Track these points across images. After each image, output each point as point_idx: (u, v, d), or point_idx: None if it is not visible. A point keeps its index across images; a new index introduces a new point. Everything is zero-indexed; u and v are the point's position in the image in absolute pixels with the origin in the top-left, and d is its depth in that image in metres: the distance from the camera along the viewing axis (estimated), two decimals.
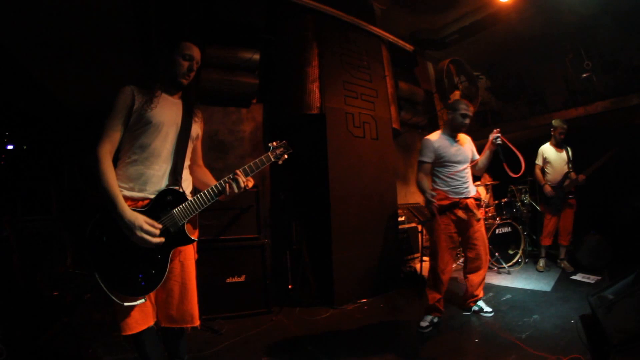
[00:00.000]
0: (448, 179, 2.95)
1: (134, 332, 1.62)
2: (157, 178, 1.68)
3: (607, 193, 5.07)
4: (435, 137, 3.01)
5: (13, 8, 2.36)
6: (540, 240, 4.42)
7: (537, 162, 4.36)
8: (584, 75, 4.77)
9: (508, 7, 4.37)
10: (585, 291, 3.30)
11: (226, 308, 3.29)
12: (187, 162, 1.81)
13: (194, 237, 1.76)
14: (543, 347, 2.43)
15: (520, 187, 4.95)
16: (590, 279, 3.83)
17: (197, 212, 1.69)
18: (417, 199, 5.63)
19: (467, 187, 2.99)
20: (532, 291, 3.66)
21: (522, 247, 4.55)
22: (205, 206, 1.69)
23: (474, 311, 3.17)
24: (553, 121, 4.30)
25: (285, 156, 1.90)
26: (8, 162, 3.26)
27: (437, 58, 5.37)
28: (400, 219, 4.73)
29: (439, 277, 2.96)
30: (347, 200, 3.83)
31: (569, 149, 4.29)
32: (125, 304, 1.55)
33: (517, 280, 4.07)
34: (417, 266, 4.11)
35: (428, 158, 2.96)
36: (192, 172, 1.92)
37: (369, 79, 4.25)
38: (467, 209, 2.92)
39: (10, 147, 3.34)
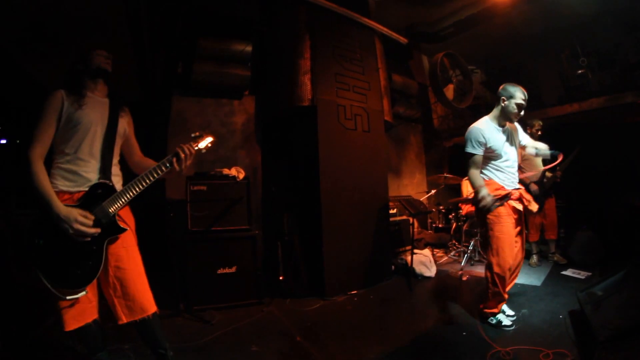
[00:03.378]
0: (498, 172, 2.73)
1: (72, 328, 1.71)
2: (89, 174, 1.78)
3: (600, 190, 5.08)
4: (482, 125, 2.71)
5: (7, 6, 2.32)
6: (528, 237, 4.39)
7: None
8: (580, 71, 4.78)
9: (504, 1, 4.35)
10: (575, 287, 3.30)
11: (217, 299, 3.30)
12: (116, 159, 1.91)
13: (129, 224, 1.88)
14: (531, 342, 2.44)
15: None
16: (581, 274, 3.85)
17: (127, 202, 1.79)
18: (410, 191, 5.66)
19: (516, 178, 2.79)
20: (522, 285, 3.67)
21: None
22: (134, 195, 1.79)
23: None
24: (529, 120, 4.24)
25: (209, 144, 2.01)
26: (1, 157, 3.24)
27: (432, 51, 5.35)
28: (391, 211, 4.75)
29: (502, 281, 2.66)
30: (338, 192, 3.84)
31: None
32: (68, 297, 1.64)
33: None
34: (408, 259, 4.13)
35: (478, 149, 2.66)
36: (134, 164, 2.05)
37: (361, 72, 4.24)
38: (520, 200, 2.74)
39: (3, 141, 3.33)
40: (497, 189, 2.67)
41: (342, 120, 3.98)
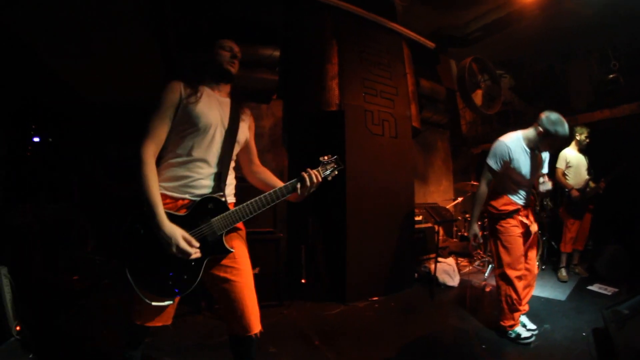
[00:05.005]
0: (513, 190, 2.70)
1: (146, 324, 1.63)
2: (201, 181, 1.60)
3: (632, 202, 4.81)
4: (512, 142, 2.59)
5: (35, 6, 2.43)
6: (560, 247, 4.26)
7: (559, 166, 4.18)
8: (611, 76, 4.56)
9: (532, 4, 4.22)
10: (601, 303, 3.18)
11: None
12: (232, 165, 1.73)
13: (241, 239, 1.74)
14: (551, 359, 2.38)
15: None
16: (607, 290, 3.68)
17: (239, 222, 1.61)
18: (436, 198, 5.56)
19: (528, 199, 2.78)
20: (546, 299, 3.56)
21: (539, 252, 4.41)
22: (250, 216, 1.62)
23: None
24: (578, 127, 4.13)
25: (335, 172, 1.77)
26: (34, 153, 3.43)
27: (460, 56, 5.25)
28: (417, 218, 4.68)
29: (515, 289, 2.63)
30: (363, 197, 3.82)
31: (586, 155, 4.17)
32: (153, 303, 1.52)
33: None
34: (432, 267, 4.04)
35: (498, 166, 2.60)
36: (251, 173, 1.90)
37: (389, 77, 4.21)
38: (528, 217, 2.76)
39: (36, 139, 3.52)
40: (505, 204, 2.70)
41: (369, 125, 3.97)
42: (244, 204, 1.60)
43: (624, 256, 3.99)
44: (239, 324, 1.62)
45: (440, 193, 5.69)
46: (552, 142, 2.49)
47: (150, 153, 1.52)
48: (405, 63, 4.44)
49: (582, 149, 4.18)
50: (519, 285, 2.64)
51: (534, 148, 2.61)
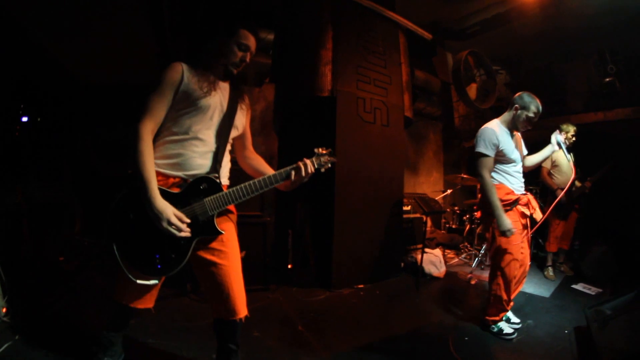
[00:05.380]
0: (508, 176, 2.68)
1: (129, 304, 1.63)
2: (195, 160, 1.61)
3: (620, 204, 4.87)
4: (495, 126, 2.64)
5: None
6: (546, 247, 4.27)
7: (544, 165, 4.13)
8: (607, 79, 4.56)
9: (533, 2, 4.20)
10: (584, 302, 3.23)
11: None
12: (228, 147, 1.75)
13: (232, 223, 1.75)
14: (532, 354, 2.41)
15: (531, 187, 4.77)
16: (592, 290, 3.73)
17: (231, 204, 1.63)
18: (426, 189, 5.59)
19: (523, 183, 2.77)
20: (530, 295, 3.59)
21: None
22: (243, 199, 1.63)
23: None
24: (564, 125, 4.06)
25: (329, 165, 1.78)
26: (23, 133, 3.36)
27: (457, 49, 5.22)
28: (406, 208, 4.70)
29: (507, 291, 2.61)
30: (352, 185, 3.82)
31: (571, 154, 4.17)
32: (138, 281, 1.53)
33: None
34: (418, 257, 4.08)
35: (491, 151, 2.56)
36: (243, 159, 1.90)
37: (383, 65, 4.18)
38: (528, 205, 2.69)
39: (24, 119, 3.44)
40: (507, 194, 2.63)
41: (361, 113, 3.94)
42: (238, 186, 1.61)
43: (610, 257, 4.02)
44: (225, 307, 1.64)
45: (430, 184, 5.72)
46: (529, 118, 2.58)
47: (147, 130, 1.53)
48: (401, 52, 4.40)
49: (568, 148, 4.13)
50: (512, 286, 2.61)
51: (512, 129, 2.69)
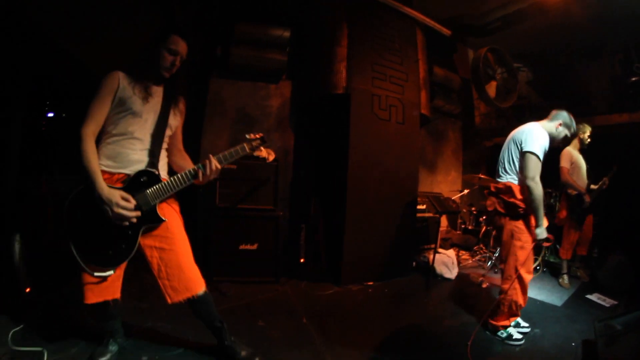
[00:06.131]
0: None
1: (91, 302, 1.77)
2: (134, 156, 1.79)
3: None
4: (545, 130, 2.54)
5: None
6: (560, 253, 4.07)
7: (564, 165, 3.89)
8: (633, 79, 4.30)
9: None
10: (597, 314, 3.09)
11: (236, 273, 3.46)
12: (164, 145, 1.92)
13: (174, 211, 1.91)
14: None
15: (549, 190, 4.59)
16: (606, 301, 3.51)
17: (170, 193, 1.80)
18: (443, 188, 5.50)
19: None
20: (542, 303, 3.46)
21: (541, 255, 4.31)
22: (178, 188, 1.81)
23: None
24: (581, 125, 3.85)
25: (262, 149, 1.98)
26: (48, 128, 3.60)
27: (478, 45, 5.06)
28: (421, 207, 4.63)
29: (523, 297, 2.58)
30: (365, 182, 3.83)
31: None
32: (95, 273, 1.70)
33: (529, 288, 3.76)
34: (431, 257, 4.04)
35: (542, 155, 2.44)
36: (171, 155, 2.04)
37: (399, 62, 4.14)
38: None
39: (50, 114, 3.69)
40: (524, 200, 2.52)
41: (376, 110, 3.93)
42: (172, 177, 1.81)
43: (628, 268, 3.79)
44: (181, 286, 1.84)
45: (447, 183, 5.63)
46: (566, 137, 2.58)
47: (89, 132, 1.71)
48: (418, 49, 4.34)
49: (582, 149, 3.96)
50: (526, 290, 2.56)
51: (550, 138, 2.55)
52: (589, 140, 3.92)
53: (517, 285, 2.54)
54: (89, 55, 2.94)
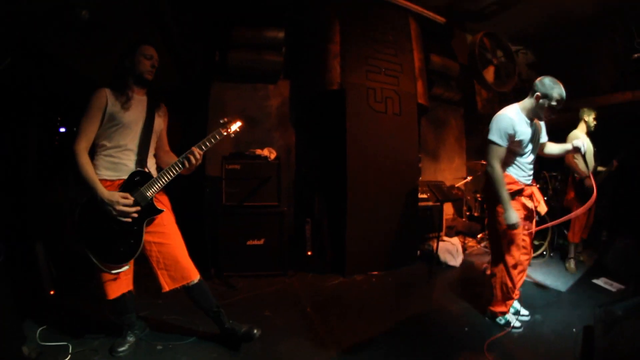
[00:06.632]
0: (515, 166, 2.57)
1: (113, 297, 2.03)
2: (129, 163, 2.01)
3: None
4: (514, 114, 2.45)
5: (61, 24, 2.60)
6: (569, 238, 4.05)
7: None
8: (636, 55, 4.19)
9: None
10: (602, 299, 3.04)
11: (245, 267, 3.64)
12: (151, 151, 2.13)
13: (164, 206, 2.10)
14: (531, 351, 2.34)
15: (554, 173, 4.56)
16: (613, 286, 3.43)
17: (162, 185, 2.00)
18: (447, 176, 5.52)
19: (532, 174, 2.65)
20: (546, 288, 3.45)
21: (548, 239, 4.29)
22: (169, 180, 2.01)
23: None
24: (586, 109, 3.87)
25: (237, 129, 2.15)
26: (61, 142, 3.87)
27: (477, 30, 5.04)
28: (424, 196, 4.68)
29: (510, 278, 2.57)
30: (364, 175, 3.91)
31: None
32: (113, 271, 1.93)
33: (534, 273, 3.81)
34: (435, 245, 4.10)
35: (504, 141, 2.42)
36: (159, 157, 2.23)
37: (394, 54, 4.18)
38: (532, 197, 2.61)
39: (62, 129, 3.95)
40: (509, 183, 2.52)
41: (371, 103, 4.00)
42: (161, 171, 2.02)
43: (636, 251, 3.71)
44: (178, 275, 2.06)
45: (452, 171, 5.63)
46: (552, 107, 2.35)
47: (82, 147, 1.91)
48: (412, 39, 4.36)
49: (589, 132, 3.94)
50: (515, 272, 2.56)
51: (533, 117, 2.50)
52: (594, 123, 3.90)
53: (502, 267, 2.58)
54: (94, 72, 3.14)
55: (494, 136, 2.45)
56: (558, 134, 3.95)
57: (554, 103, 2.32)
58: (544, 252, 4.32)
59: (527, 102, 2.49)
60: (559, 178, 4.53)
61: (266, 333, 2.40)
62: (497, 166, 2.44)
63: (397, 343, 2.46)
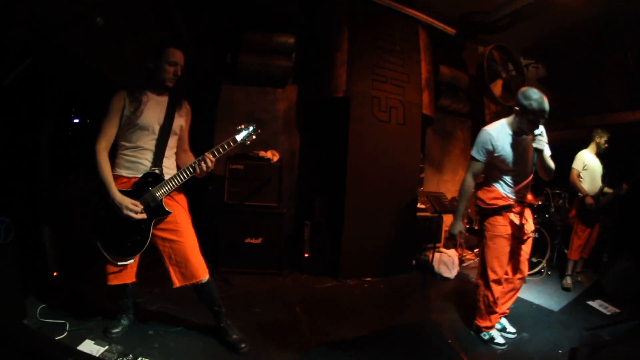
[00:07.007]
0: (504, 182, 2.53)
1: (112, 284, 2.14)
2: (144, 164, 2.07)
3: None
4: (495, 130, 2.46)
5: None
6: (568, 255, 4.05)
7: (575, 167, 3.94)
8: None
9: None
10: (594, 322, 2.99)
11: (241, 264, 3.74)
12: (169, 152, 2.16)
13: (181, 205, 2.19)
14: None
15: (558, 191, 4.51)
16: (608, 309, 3.39)
17: (172, 189, 2.05)
18: (450, 188, 5.52)
19: (524, 192, 2.59)
20: (538, 307, 3.40)
21: (547, 257, 4.25)
22: (180, 183, 2.07)
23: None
24: (599, 131, 3.89)
25: (253, 137, 2.14)
26: (74, 133, 4.06)
27: (489, 42, 5.04)
28: (424, 206, 4.70)
29: (491, 291, 2.56)
30: (364, 181, 3.97)
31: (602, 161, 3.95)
32: (119, 263, 2.04)
33: (529, 291, 3.77)
34: (430, 255, 4.12)
35: (481, 156, 2.47)
36: (178, 156, 2.27)
37: (401, 64, 4.22)
38: (521, 215, 2.57)
39: (76, 120, 4.15)
40: (495, 198, 2.52)
41: (375, 111, 4.06)
42: (172, 175, 2.07)
43: (635, 275, 3.61)
44: (187, 273, 2.12)
45: (455, 183, 5.60)
46: (531, 119, 2.26)
47: (102, 147, 2.00)
48: (421, 49, 4.39)
49: (599, 154, 3.95)
50: (496, 288, 2.56)
51: (518, 132, 2.43)
52: (605, 145, 3.91)
53: (481, 280, 2.62)
54: (108, 68, 3.32)
55: (472, 150, 2.55)
56: (570, 151, 3.98)
57: (530, 117, 2.25)
58: (542, 270, 4.28)
59: (510, 119, 2.47)
60: (562, 196, 4.49)
61: (251, 328, 2.51)
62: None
63: (379, 349, 2.51)
